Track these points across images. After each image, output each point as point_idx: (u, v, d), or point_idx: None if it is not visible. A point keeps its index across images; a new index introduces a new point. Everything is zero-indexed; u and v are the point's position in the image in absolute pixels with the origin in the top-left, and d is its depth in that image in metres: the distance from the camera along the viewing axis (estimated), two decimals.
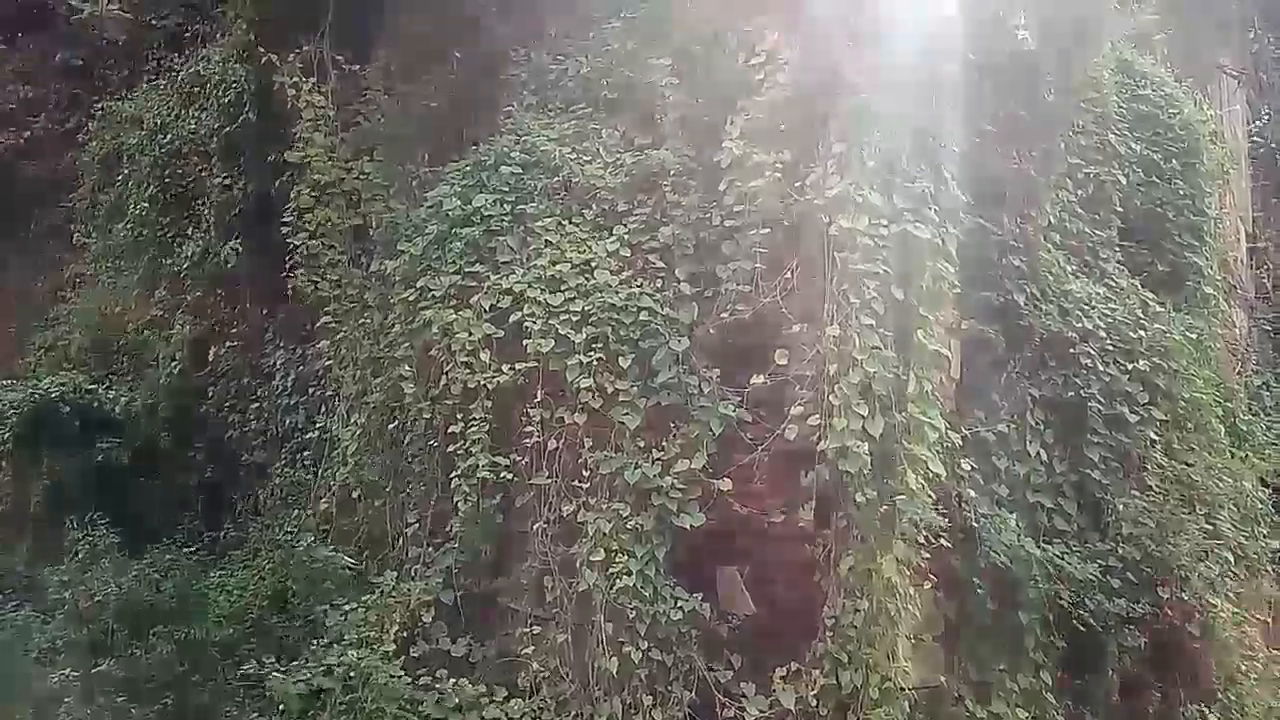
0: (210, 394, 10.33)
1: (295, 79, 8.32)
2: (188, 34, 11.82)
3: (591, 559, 5.79)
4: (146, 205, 11.16)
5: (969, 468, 6.00)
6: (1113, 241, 7.99)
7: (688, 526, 5.83)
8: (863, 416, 5.34)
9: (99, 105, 12.78)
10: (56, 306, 13.13)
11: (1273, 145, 12.69)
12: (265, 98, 9.37)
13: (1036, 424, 6.84)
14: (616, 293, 6.22)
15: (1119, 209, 8.04)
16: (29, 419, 10.05)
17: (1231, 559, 7.09)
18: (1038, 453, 6.80)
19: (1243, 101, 12.12)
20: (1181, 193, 8.52)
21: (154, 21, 11.14)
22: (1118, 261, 7.94)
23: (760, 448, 5.76)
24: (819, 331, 5.66)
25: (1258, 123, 12.63)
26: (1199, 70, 11.08)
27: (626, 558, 5.71)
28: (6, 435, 10.21)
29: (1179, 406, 7.28)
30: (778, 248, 6.02)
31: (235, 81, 9.90)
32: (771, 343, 5.89)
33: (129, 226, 11.31)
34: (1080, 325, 6.93)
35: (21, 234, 14.73)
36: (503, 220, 6.76)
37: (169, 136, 11.19)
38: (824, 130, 5.94)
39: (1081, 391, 6.87)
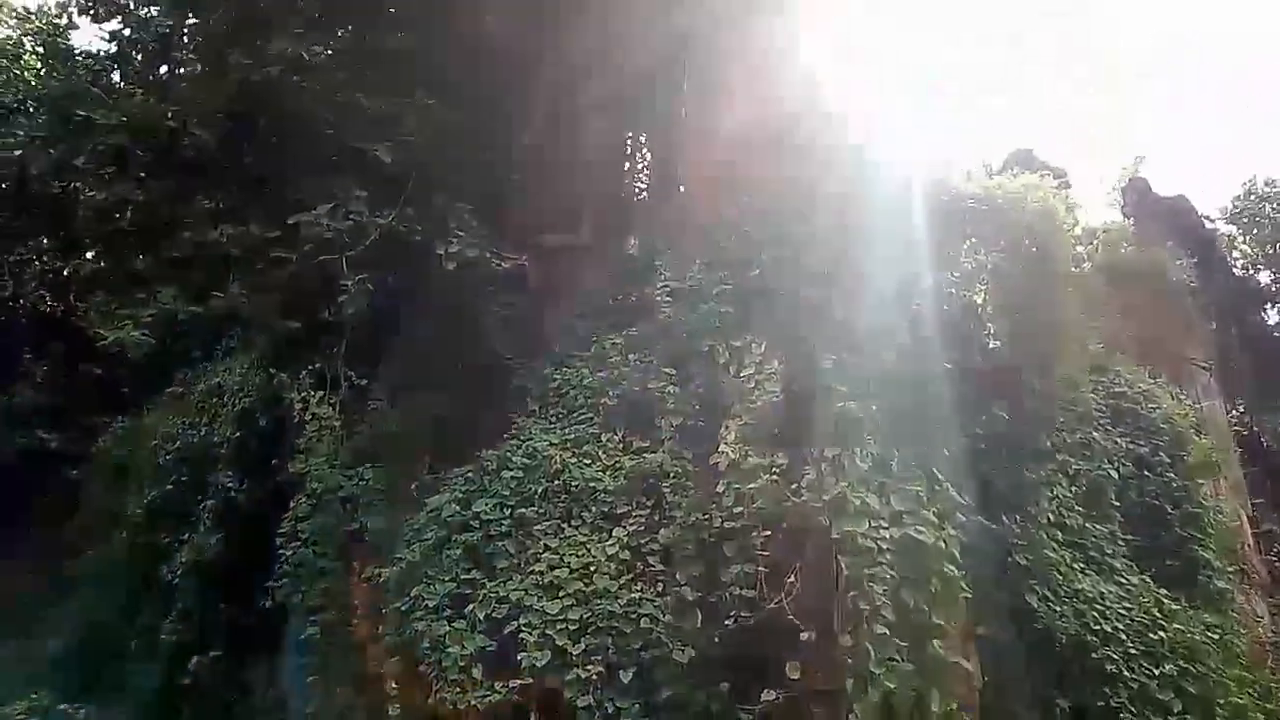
0: (184, 711, 9.63)
1: (305, 393, 8.71)
2: (214, 351, 12.52)
3: None
4: (144, 514, 11.16)
5: None
6: (1116, 536, 7.94)
7: None
8: None
9: (115, 420, 13.22)
10: (45, 612, 12.65)
11: (1255, 430, 13.04)
12: (276, 405, 9.78)
13: None
14: (617, 598, 6.06)
15: (1115, 503, 8.09)
16: None
17: None
18: None
19: (1218, 392, 12.64)
20: (1174, 485, 8.61)
21: (177, 342, 11.84)
22: (1124, 557, 7.83)
23: None
24: (830, 640, 5.42)
25: (1234, 411, 13.08)
26: (1169, 365, 11.69)
27: None
28: None
29: (1217, 713, 6.79)
30: (780, 550, 5.95)
31: (250, 392, 10.35)
32: (782, 652, 5.62)
33: (125, 535, 11.23)
34: (1099, 628, 6.68)
35: (20, 539, 14.59)
36: (502, 524, 6.77)
37: (178, 444, 11.47)
38: (815, 435, 6.11)
39: (1111, 701, 6.46)
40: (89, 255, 8.66)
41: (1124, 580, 7.39)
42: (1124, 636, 6.73)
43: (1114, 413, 8.73)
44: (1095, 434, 8.18)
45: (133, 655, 10.61)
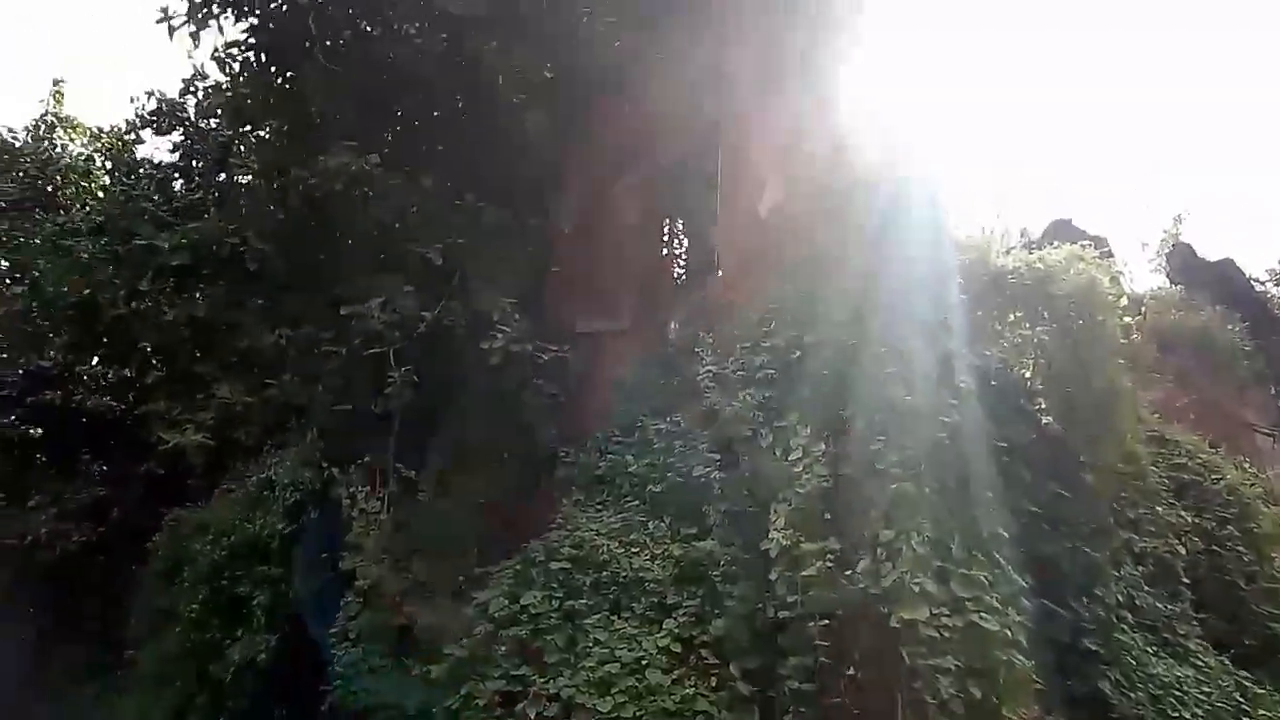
0: None
1: (353, 488, 8.82)
2: (268, 444, 12.76)
3: None
4: (199, 609, 11.22)
5: None
6: (1188, 616, 7.60)
7: None
8: None
9: (171, 514, 13.46)
10: (103, 710, 12.67)
11: None
12: (326, 500, 9.90)
13: None
14: (670, 694, 5.90)
15: (1185, 581, 7.76)
16: None
17: None
18: None
19: None
20: (1246, 559, 8.26)
21: (238, 436, 12.11)
22: (1198, 638, 7.47)
23: None
24: None
25: None
26: (1227, 431, 11.35)
27: None
28: None
29: None
30: (837, 640, 5.79)
31: (301, 485, 10.49)
32: None
33: (179, 632, 11.28)
34: (1178, 715, 6.32)
35: (75, 635, 14.76)
36: (551, 617, 6.69)
37: (232, 539, 11.60)
38: (867, 519, 6.00)
39: None
40: (152, 362, 8.95)
41: (1200, 662, 7.03)
42: None
43: (1177, 485, 8.45)
44: (1159, 509, 7.91)
45: None
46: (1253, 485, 9.30)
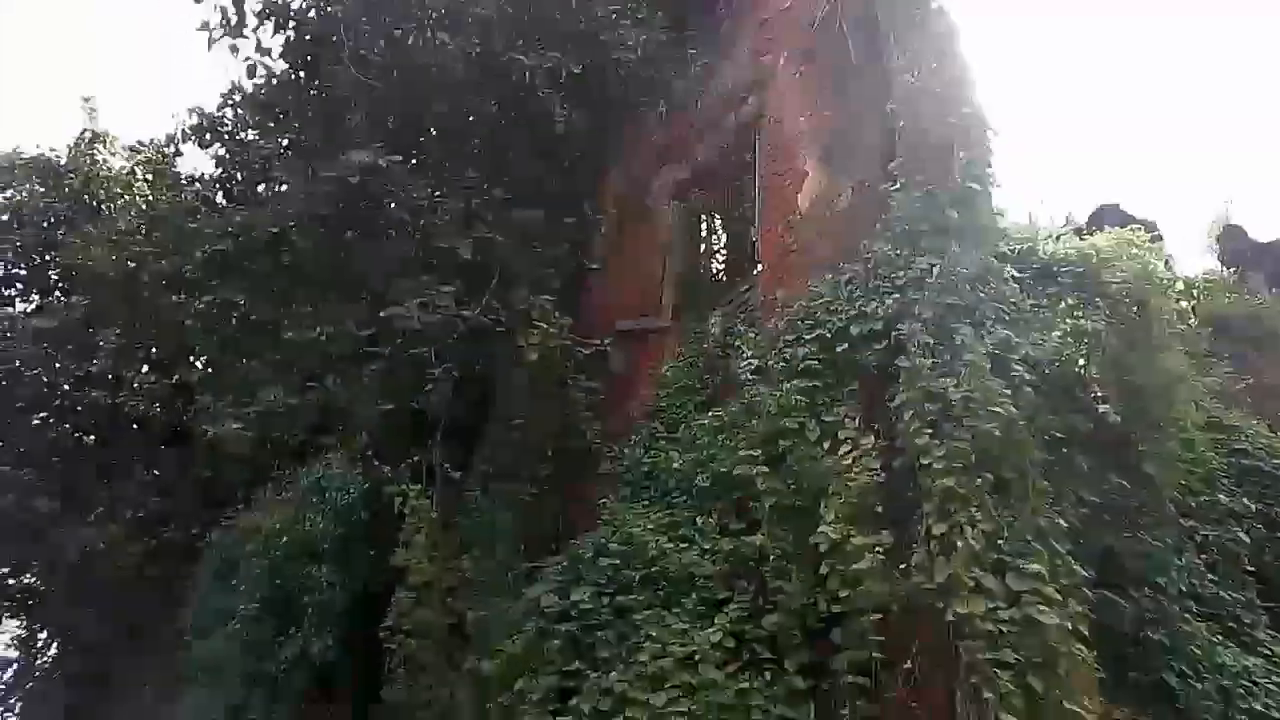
0: None
1: (404, 486, 8.92)
2: (312, 448, 12.96)
3: None
4: (256, 607, 11.43)
5: None
6: (1254, 604, 7.39)
7: None
8: None
9: (223, 517, 13.74)
10: (163, 707, 12.99)
11: None
12: (376, 498, 10.04)
13: None
14: (724, 689, 5.89)
15: (1250, 569, 7.55)
16: None
17: None
18: None
19: None
20: None
21: (282, 438, 12.30)
22: (1266, 627, 7.26)
23: None
24: None
25: None
26: None
27: None
28: None
29: None
30: (892, 634, 5.72)
31: (350, 488, 10.63)
32: None
33: (236, 629, 11.50)
34: (1248, 706, 6.16)
35: (134, 640, 15.13)
36: (601, 614, 6.70)
37: (284, 540, 11.81)
38: (920, 512, 5.92)
39: None
40: (198, 364, 9.14)
41: (1269, 652, 6.84)
42: (1276, 715, 6.18)
43: (1237, 471, 8.23)
44: (1220, 495, 7.72)
45: None
46: None
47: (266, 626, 11.35)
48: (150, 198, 15.64)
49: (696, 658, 6.15)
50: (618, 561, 7.04)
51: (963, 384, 6.05)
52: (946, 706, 5.38)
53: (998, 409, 5.94)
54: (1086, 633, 5.56)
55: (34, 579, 17.54)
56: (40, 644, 17.98)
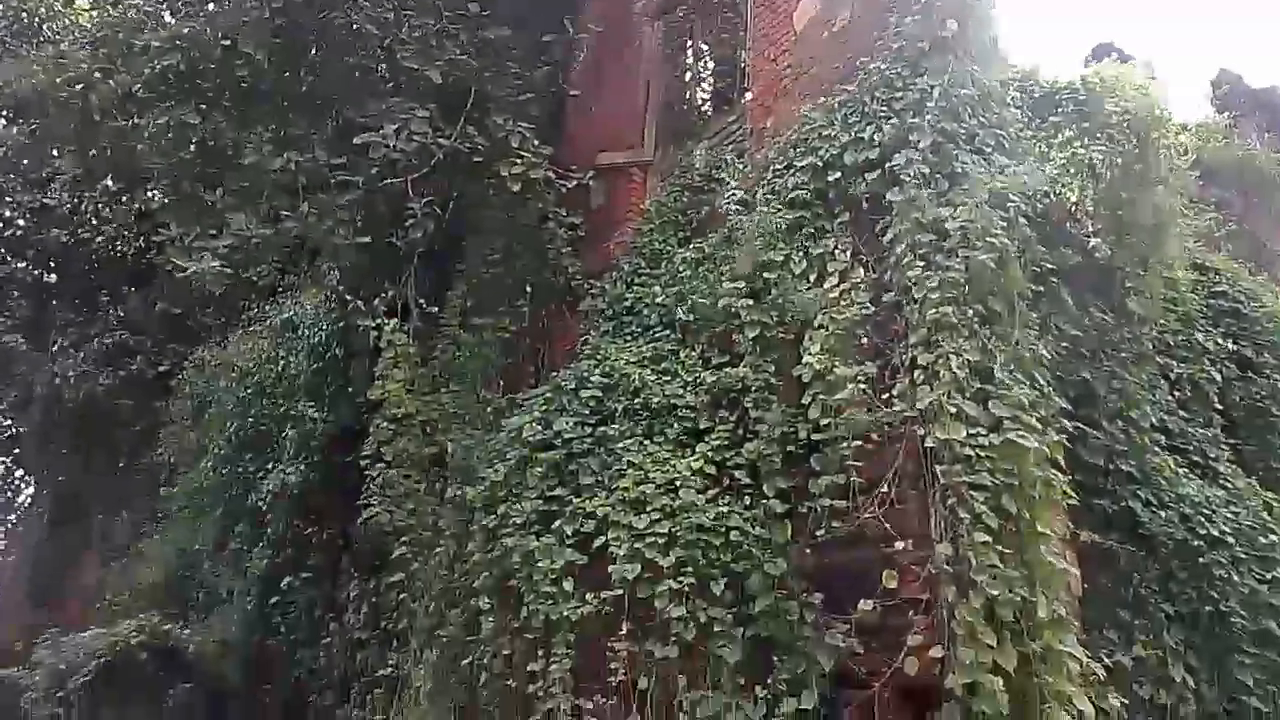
0: (282, 630, 10.05)
1: (379, 320, 8.74)
2: (281, 285, 12.68)
3: None
4: (231, 442, 11.50)
5: (1118, 703, 5.32)
6: (1219, 440, 7.59)
7: None
8: (991, 647, 4.85)
9: (193, 353, 13.59)
10: (137, 544, 13.30)
11: None
12: (351, 337, 9.89)
13: (1176, 645, 6.17)
14: (704, 512, 5.98)
15: (1219, 406, 7.72)
16: (104, 668, 9.85)
17: None
18: (1183, 678, 6.09)
19: None
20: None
21: (252, 276, 11.99)
22: (1229, 460, 7.49)
23: (879, 684, 5.22)
24: (928, 550, 5.29)
25: None
26: (1265, 262, 11.10)
27: None
28: (81, 684, 9.99)
29: None
30: (871, 460, 5.80)
31: (324, 324, 10.47)
32: (876, 563, 5.52)
33: (212, 465, 11.61)
34: (1205, 533, 6.41)
35: (110, 473, 15.29)
36: (584, 443, 6.72)
37: (257, 377, 11.76)
38: (906, 343, 5.88)
39: (1221, 605, 6.24)
40: (156, 192, 8.67)
41: (1230, 485, 7.08)
42: (1232, 540, 6.46)
43: (1215, 313, 8.28)
44: (1197, 335, 7.78)
45: (227, 579, 11.07)
46: None
47: (244, 462, 11.47)
48: (92, 15, 14.51)
49: (677, 484, 6.22)
50: (599, 393, 7.02)
51: (960, 214, 5.87)
52: (920, 528, 5.51)
53: (993, 240, 5.80)
54: (1062, 460, 5.68)
55: (8, 419, 17.51)
56: (17, 483, 18.17)
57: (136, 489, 14.36)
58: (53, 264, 15.87)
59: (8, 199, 16.03)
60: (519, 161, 8.32)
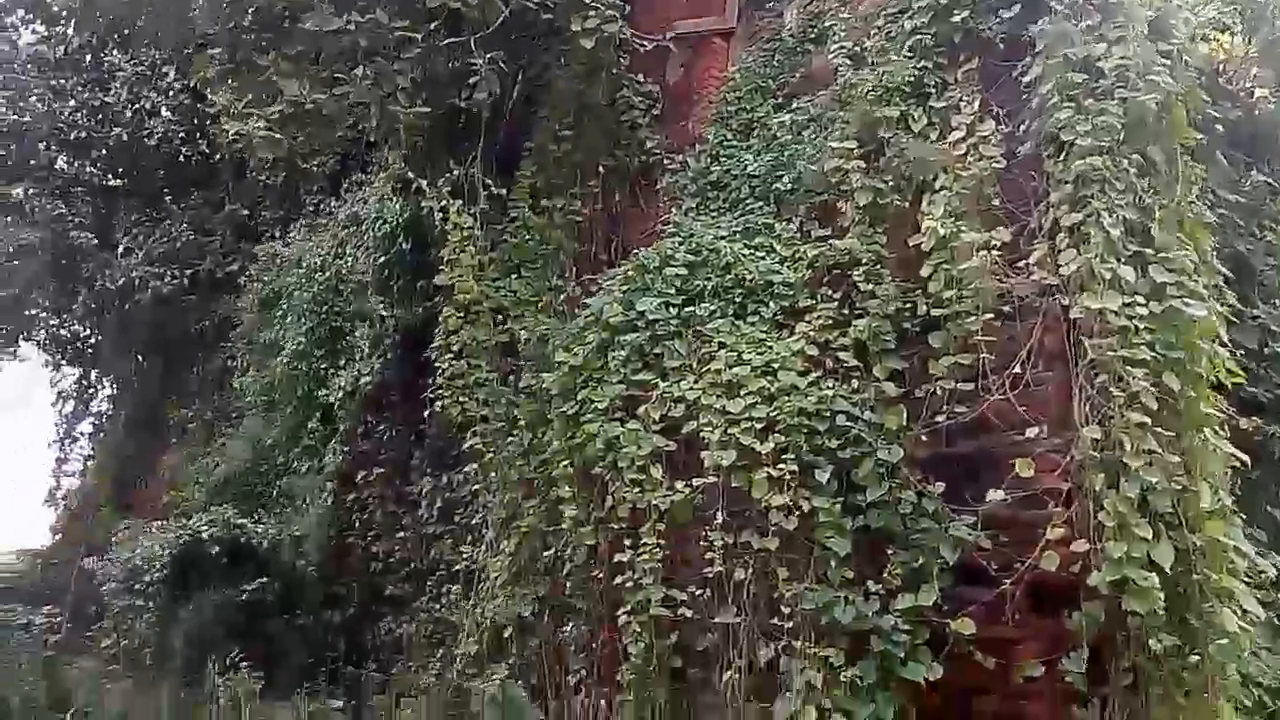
0: (356, 525, 9.96)
1: (444, 202, 8.22)
2: (345, 180, 12.29)
3: None
4: (303, 340, 11.31)
5: None
6: None
7: (920, 680, 4.75)
8: (1146, 540, 4.25)
9: (259, 249, 13.37)
10: (213, 441, 13.39)
11: None
12: (417, 227, 9.43)
13: None
14: (807, 395, 5.42)
15: None
16: (178, 560, 9.91)
17: None
18: None
19: None
20: None
21: (313, 166, 11.58)
22: None
23: (1009, 581, 4.68)
24: (1070, 434, 4.67)
25: None
26: None
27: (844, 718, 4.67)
28: (156, 577, 10.10)
29: None
30: (1000, 336, 5.14)
31: (390, 216, 10.03)
32: (1006, 450, 4.92)
33: (285, 361, 11.45)
34: None
35: (184, 372, 15.39)
36: (670, 324, 6.15)
37: (327, 274, 11.49)
38: (1048, 202, 5.13)
39: None
40: (212, 72, 8.16)
41: None
42: None
43: None
44: None
45: (301, 474, 11.00)
46: None
47: (316, 358, 11.28)
48: None
49: (775, 366, 5.65)
50: (685, 270, 6.41)
51: (1116, 51, 5.03)
52: (1058, 409, 4.88)
53: (1155, 78, 4.95)
54: (1225, 336, 4.96)
55: (82, 326, 17.73)
56: (93, 388, 18.52)
57: (209, 387, 14.43)
58: (117, 165, 15.74)
59: (71, 99, 15.83)
60: (592, 14, 7.55)
